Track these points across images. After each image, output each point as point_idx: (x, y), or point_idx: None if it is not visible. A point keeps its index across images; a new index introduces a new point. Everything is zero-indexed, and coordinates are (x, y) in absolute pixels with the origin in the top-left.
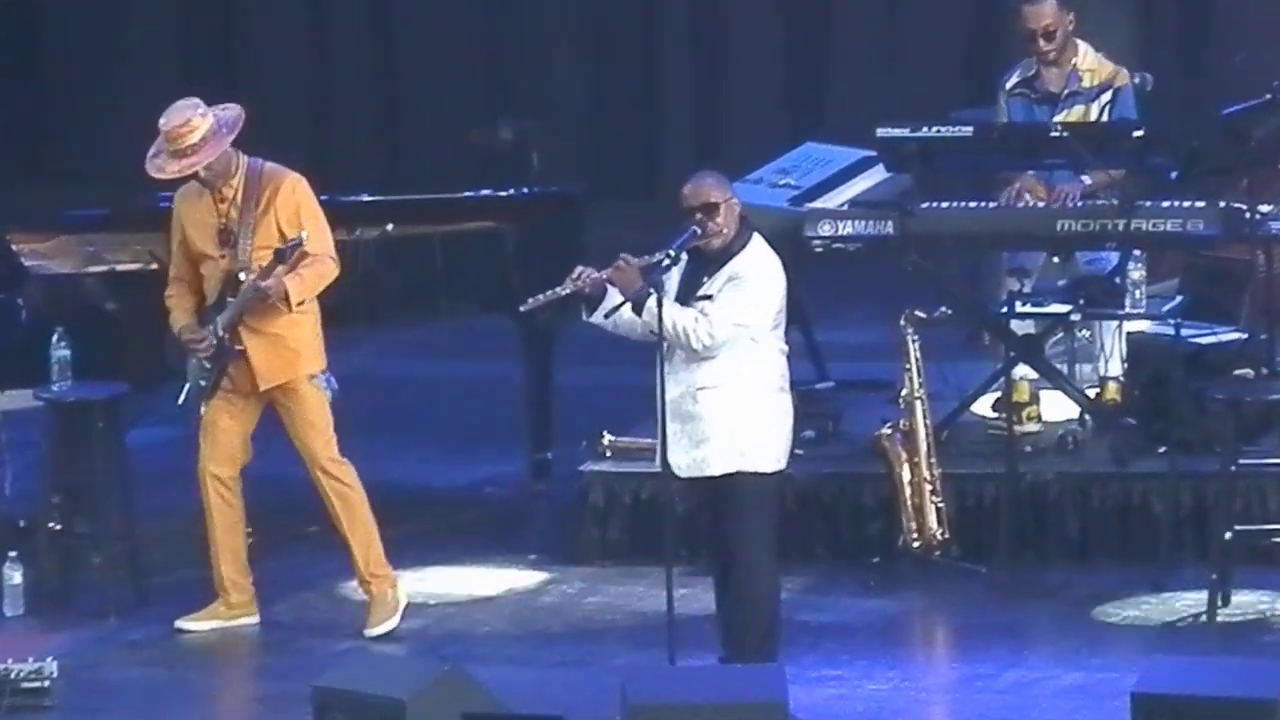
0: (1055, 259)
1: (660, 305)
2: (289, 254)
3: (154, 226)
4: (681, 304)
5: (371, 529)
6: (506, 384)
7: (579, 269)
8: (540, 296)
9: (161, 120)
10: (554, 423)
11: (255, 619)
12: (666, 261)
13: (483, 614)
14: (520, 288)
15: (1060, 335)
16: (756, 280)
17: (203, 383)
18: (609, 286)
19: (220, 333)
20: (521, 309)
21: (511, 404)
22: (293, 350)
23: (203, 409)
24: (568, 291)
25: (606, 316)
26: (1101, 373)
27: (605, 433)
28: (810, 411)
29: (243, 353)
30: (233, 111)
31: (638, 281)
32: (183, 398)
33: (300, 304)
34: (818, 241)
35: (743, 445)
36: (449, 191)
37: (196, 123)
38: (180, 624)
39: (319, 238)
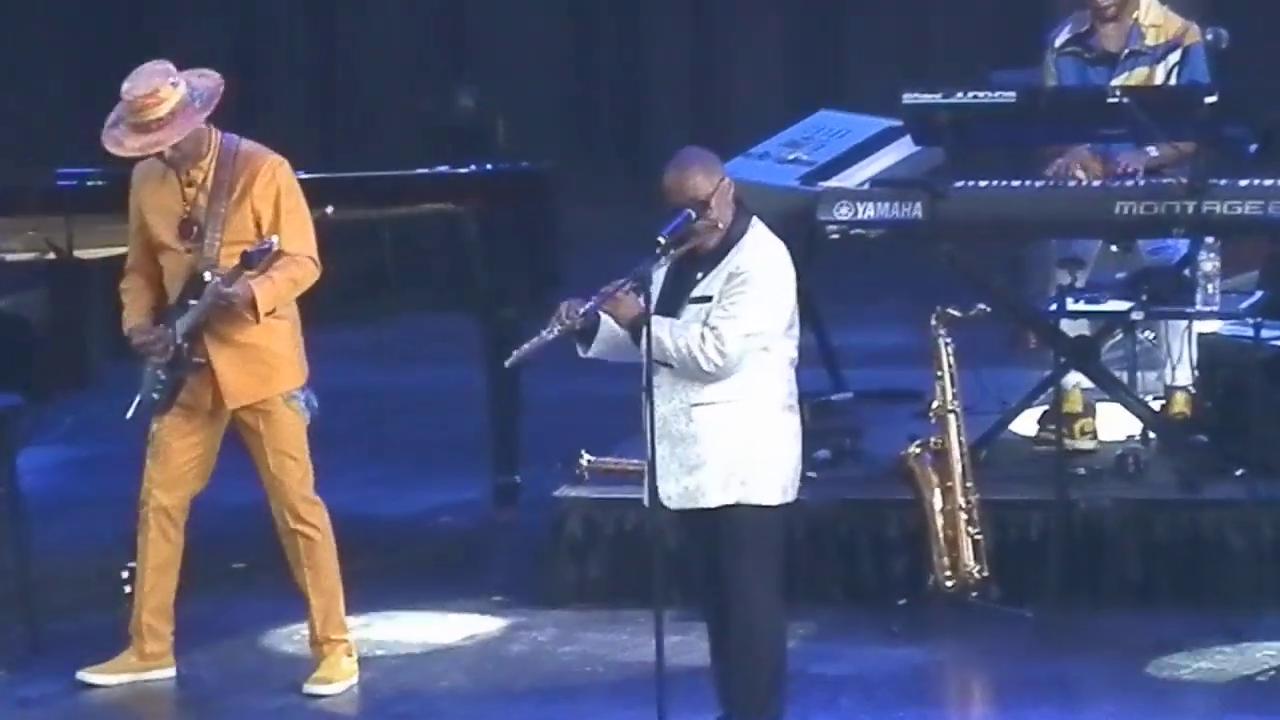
0: (1113, 248)
1: (648, 303)
2: (257, 259)
3: (51, 209)
4: (671, 309)
5: (337, 585)
6: (467, 395)
7: (564, 305)
8: (526, 347)
9: (125, 86)
10: (523, 440)
11: (171, 672)
12: (657, 250)
13: (440, 666)
14: (483, 280)
15: (1119, 337)
16: (763, 276)
17: (155, 395)
18: (602, 316)
19: (179, 339)
20: (506, 364)
21: (473, 418)
22: (267, 365)
23: (154, 425)
24: (555, 335)
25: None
26: (1168, 381)
27: (583, 452)
28: (825, 427)
29: (203, 365)
30: (210, 82)
31: (634, 308)
32: (132, 411)
33: (271, 312)
34: (834, 227)
35: (744, 473)
36: (399, 168)
37: (166, 93)
38: (84, 676)
39: (298, 235)
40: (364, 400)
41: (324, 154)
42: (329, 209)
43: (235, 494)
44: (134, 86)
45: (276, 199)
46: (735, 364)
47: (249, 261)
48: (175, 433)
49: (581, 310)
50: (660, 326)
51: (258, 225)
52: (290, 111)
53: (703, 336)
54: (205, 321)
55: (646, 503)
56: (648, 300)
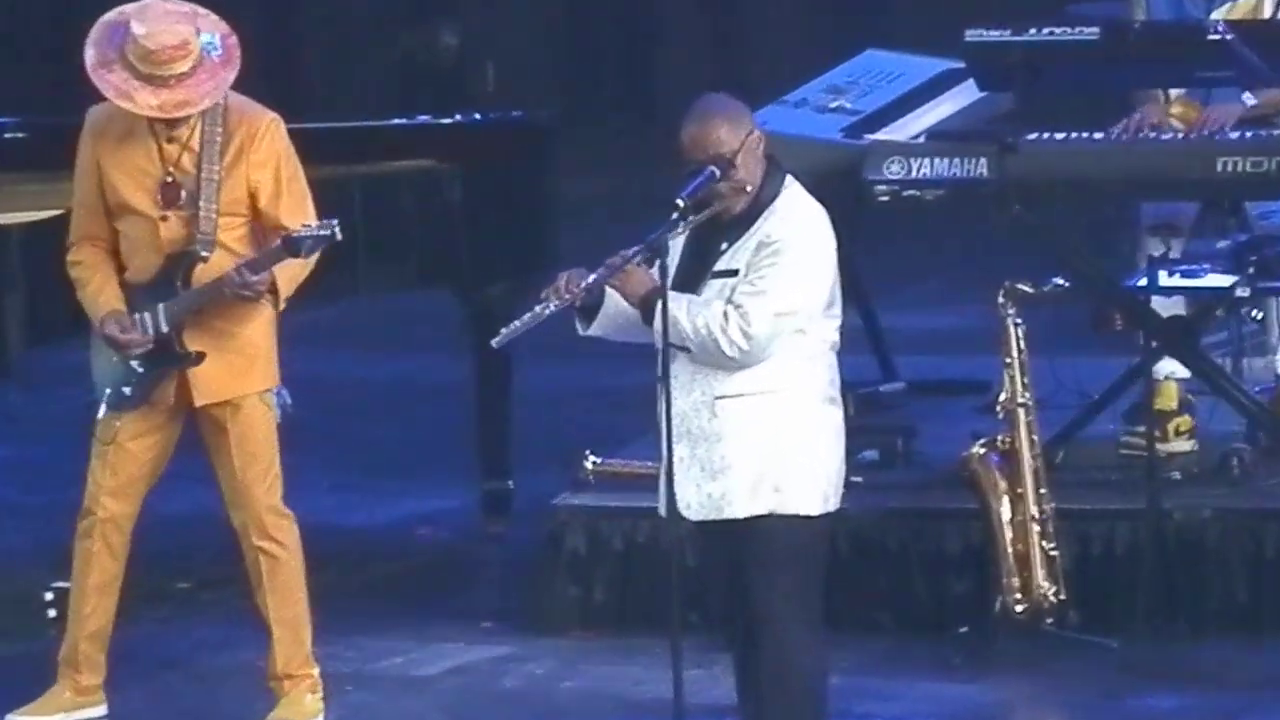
0: (1215, 211)
1: (664, 275)
2: (310, 247)
3: None
4: (691, 285)
5: (304, 613)
6: (450, 386)
7: (564, 276)
8: (517, 323)
9: (139, 29)
10: (516, 439)
11: (102, 710)
12: (674, 214)
13: (418, 702)
14: (468, 251)
15: (1221, 318)
16: (799, 246)
17: (127, 390)
18: (607, 290)
19: (165, 328)
20: (494, 343)
21: (457, 413)
22: (245, 357)
23: (112, 424)
24: (552, 310)
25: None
26: (1279, 370)
27: (588, 453)
28: (872, 424)
29: (201, 359)
30: (214, 25)
31: (646, 282)
32: (103, 408)
33: (285, 299)
34: (883, 187)
35: (777, 477)
36: (369, 118)
37: (193, 45)
38: (15, 719)
39: (300, 207)
40: (328, 393)
41: (280, 99)
42: None
43: (178, 500)
44: (155, 32)
45: (277, 165)
46: (764, 348)
47: (296, 247)
48: (130, 433)
49: (584, 283)
50: (677, 304)
51: (252, 195)
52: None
53: (725, 316)
54: (200, 308)
55: (663, 512)
56: (663, 274)
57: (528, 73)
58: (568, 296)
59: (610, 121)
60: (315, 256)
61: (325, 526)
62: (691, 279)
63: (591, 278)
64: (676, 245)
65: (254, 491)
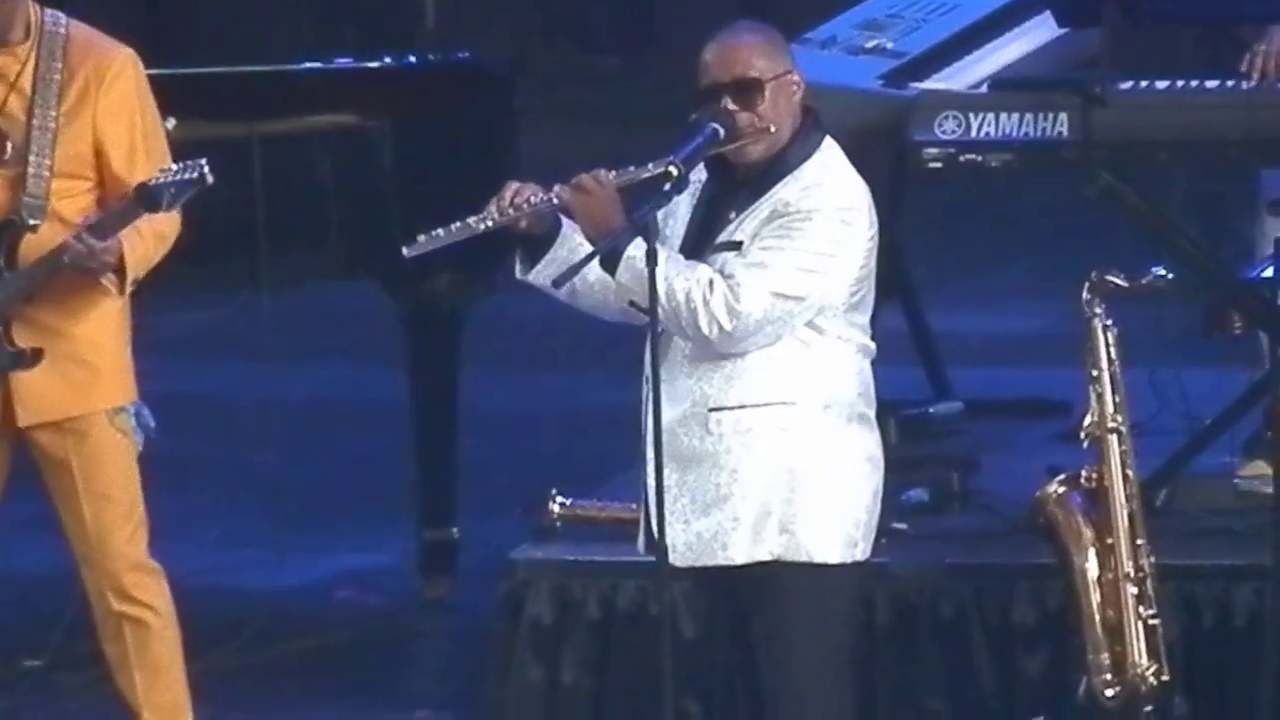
0: None
1: (652, 260)
2: (170, 197)
3: None
4: (692, 258)
5: (184, 698)
6: (379, 406)
7: (511, 187)
8: (439, 232)
9: None
10: (464, 475)
11: None
12: (667, 184)
13: None
14: (403, 231)
15: None
16: (822, 221)
17: None
18: (563, 219)
19: None
20: (406, 252)
21: (388, 441)
22: (87, 365)
23: None
24: (488, 226)
25: (558, 285)
26: None
27: (555, 493)
28: (921, 455)
29: (38, 358)
30: None
31: (614, 216)
32: None
33: (134, 282)
34: (935, 150)
35: (788, 514)
36: (275, 61)
37: None
38: None
39: (159, 168)
40: (220, 416)
41: (152, 33)
42: (170, 123)
43: (24, 555)
44: None
45: (132, 116)
46: (750, 333)
47: (154, 199)
48: None
49: (535, 199)
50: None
51: (99, 152)
52: None
53: (711, 284)
54: (33, 294)
55: (642, 548)
56: (651, 258)
57: (481, 3)
58: (511, 212)
59: (592, 64)
60: (173, 236)
61: (215, 590)
62: (691, 254)
63: (544, 195)
64: (679, 214)
65: (110, 542)
